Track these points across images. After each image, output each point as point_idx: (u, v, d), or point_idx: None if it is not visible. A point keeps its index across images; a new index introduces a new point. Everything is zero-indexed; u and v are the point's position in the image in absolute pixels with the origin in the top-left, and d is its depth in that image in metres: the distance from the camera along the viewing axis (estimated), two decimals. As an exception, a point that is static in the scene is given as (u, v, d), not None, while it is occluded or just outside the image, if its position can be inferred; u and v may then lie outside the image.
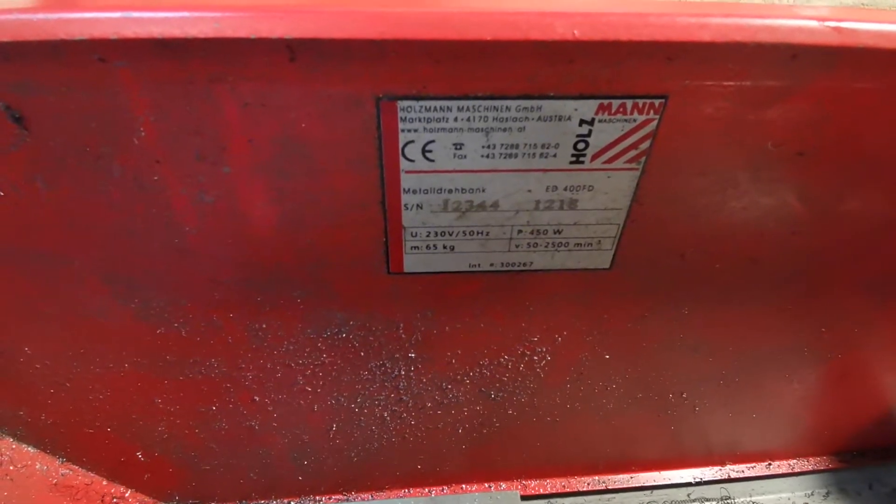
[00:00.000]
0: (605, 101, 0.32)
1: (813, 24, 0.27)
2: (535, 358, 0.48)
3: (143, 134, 0.32)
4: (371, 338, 0.45)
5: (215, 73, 0.30)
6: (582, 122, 0.33)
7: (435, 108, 0.32)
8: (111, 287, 0.41)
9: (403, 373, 0.48)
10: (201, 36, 0.26)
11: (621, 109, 0.32)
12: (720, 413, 0.56)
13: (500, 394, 0.51)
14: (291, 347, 0.45)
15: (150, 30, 0.26)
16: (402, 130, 0.33)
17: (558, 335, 0.46)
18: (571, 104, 0.32)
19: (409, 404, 0.51)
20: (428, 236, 0.38)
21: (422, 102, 0.31)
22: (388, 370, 0.47)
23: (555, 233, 0.39)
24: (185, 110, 0.31)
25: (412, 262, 0.40)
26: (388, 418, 0.52)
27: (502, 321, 0.45)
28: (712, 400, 0.54)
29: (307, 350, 0.45)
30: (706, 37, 0.26)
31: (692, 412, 0.55)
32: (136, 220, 0.37)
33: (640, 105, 0.32)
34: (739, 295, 0.45)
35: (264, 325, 0.43)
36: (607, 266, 0.41)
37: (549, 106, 0.32)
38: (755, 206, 0.38)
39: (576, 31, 0.25)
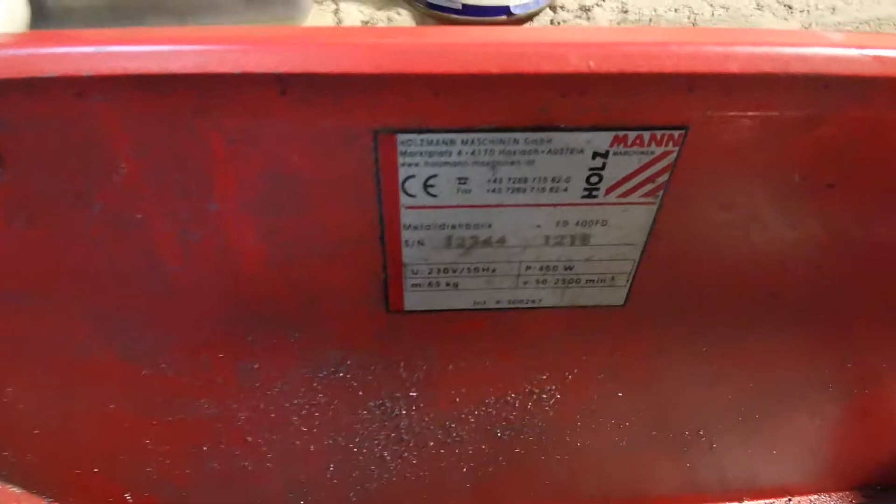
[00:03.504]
0: (621, 133, 0.30)
1: (851, 52, 0.24)
2: (544, 396, 0.45)
3: (124, 170, 0.30)
4: (370, 377, 0.42)
5: (199, 108, 0.28)
6: (595, 154, 0.30)
7: (437, 142, 0.30)
8: (93, 326, 0.39)
9: (404, 412, 0.45)
10: (182, 72, 0.23)
11: (638, 141, 0.30)
12: (738, 450, 0.53)
13: (507, 432, 0.48)
14: (285, 387, 0.42)
15: (125, 65, 0.24)
16: (402, 164, 0.30)
17: (568, 373, 0.43)
18: (584, 136, 0.30)
19: (411, 443, 0.48)
20: (430, 273, 0.36)
21: (423, 136, 0.29)
22: (388, 409, 0.45)
23: (565, 269, 0.36)
24: (168, 146, 0.29)
25: (413, 300, 0.37)
26: (389, 457, 0.49)
27: (509, 359, 0.42)
28: (730, 437, 0.52)
29: (302, 390, 0.43)
30: (733, 68, 0.24)
31: (709, 449, 0.53)
32: (117, 258, 0.34)
33: (659, 137, 0.30)
34: (760, 330, 0.42)
35: (256, 365, 0.41)
36: (621, 303, 0.38)
37: (560, 138, 0.30)
38: (779, 240, 0.36)
39: (591, 63, 0.23)
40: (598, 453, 0.51)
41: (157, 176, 0.31)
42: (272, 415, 0.44)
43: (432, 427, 0.47)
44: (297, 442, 0.47)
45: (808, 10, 0.63)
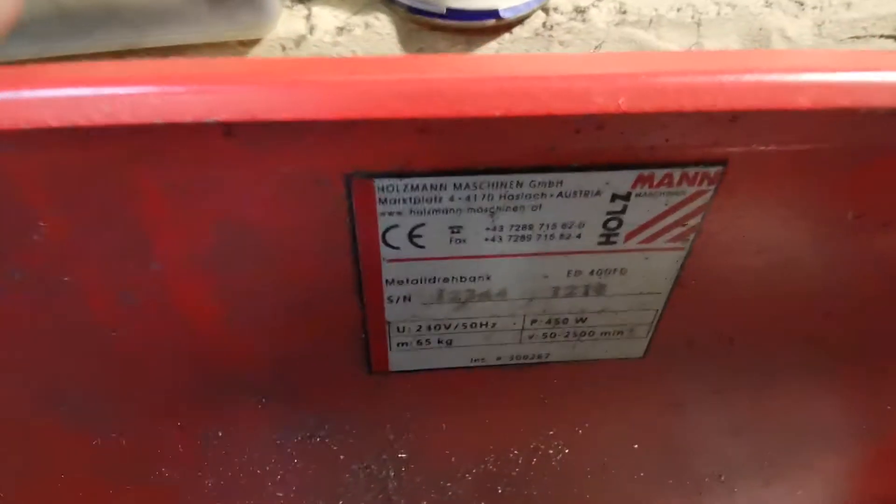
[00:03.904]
0: (646, 172, 0.25)
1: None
2: (551, 452, 0.40)
3: (43, 228, 0.25)
4: (352, 440, 0.37)
5: (128, 156, 0.22)
6: (615, 196, 0.25)
7: (424, 187, 0.24)
8: (31, 394, 0.33)
9: (393, 474, 0.40)
10: (87, 125, 0.18)
11: (666, 181, 0.25)
12: (761, 492, 0.49)
13: (509, 488, 0.43)
14: (255, 454, 0.37)
15: (22, 117, 0.18)
16: (382, 214, 0.25)
17: (579, 428, 0.39)
18: (602, 177, 0.24)
19: (402, 504, 0.43)
20: (419, 330, 0.31)
21: (406, 180, 0.24)
22: (374, 472, 0.40)
23: (577, 321, 0.31)
24: (95, 198, 0.24)
25: (399, 360, 0.32)
26: (378, 518, 0.44)
27: (511, 416, 0.37)
28: (753, 481, 0.47)
29: (275, 456, 0.37)
30: (804, 102, 0.19)
31: (729, 493, 0.48)
32: (48, 325, 0.29)
33: (691, 175, 0.25)
34: (793, 376, 0.37)
35: (220, 433, 0.35)
36: (640, 355, 0.33)
37: (573, 180, 0.24)
38: (822, 284, 0.31)
39: (621, 102, 0.18)
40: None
41: (85, 234, 0.25)
42: (242, 481, 0.39)
43: (425, 487, 0.42)
44: (273, 507, 0.42)
45: (820, 7, 0.58)
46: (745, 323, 0.33)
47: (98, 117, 0.18)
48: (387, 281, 0.28)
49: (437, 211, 0.25)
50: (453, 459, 0.40)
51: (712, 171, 0.25)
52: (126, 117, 0.18)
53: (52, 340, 0.30)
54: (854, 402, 0.41)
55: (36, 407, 0.34)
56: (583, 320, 0.31)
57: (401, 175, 0.24)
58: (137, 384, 0.32)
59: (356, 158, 0.23)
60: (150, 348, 0.30)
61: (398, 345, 0.31)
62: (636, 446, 0.41)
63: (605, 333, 0.32)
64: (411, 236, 0.26)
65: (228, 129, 0.21)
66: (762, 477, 0.47)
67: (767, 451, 0.44)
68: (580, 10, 0.55)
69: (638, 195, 0.25)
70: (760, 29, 0.55)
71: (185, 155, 0.22)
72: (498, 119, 0.18)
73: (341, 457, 0.38)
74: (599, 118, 0.21)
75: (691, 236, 0.27)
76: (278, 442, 0.36)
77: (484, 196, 0.25)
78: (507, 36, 0.46)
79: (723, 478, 0.46)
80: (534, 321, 0.31)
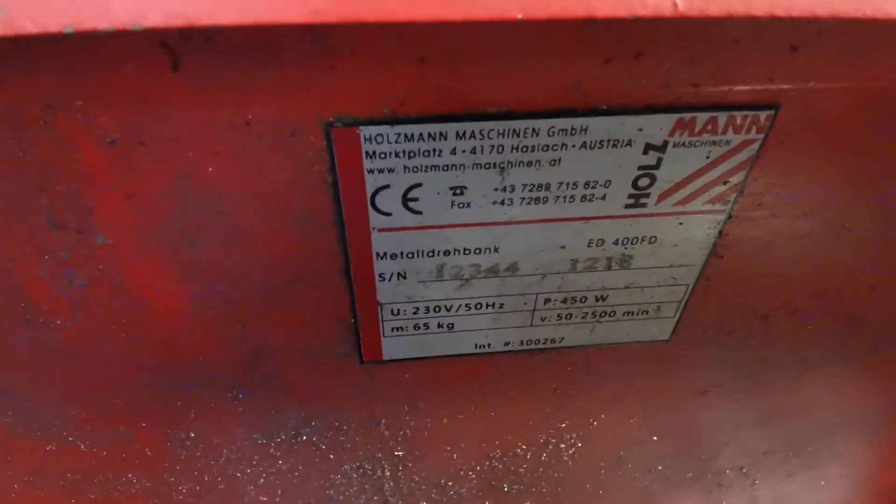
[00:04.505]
0: (687, 117, 0.21)
1: None
2: (563, 446, 0.36)
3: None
4: (342, 438, 0.33)
5: (54, 96, 0.18)
6: (649, 147, 0.21)
7: (420, 137, 0.20)
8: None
9: (389, 473, 0.36)
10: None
11: (709, 127, 0.21)
12: (783, 484, 0.45)
13: (516, 486, 0.39)
14: (234, 456, 0.33)
15: None
16: (370, 171, 0.21)
17: (594, 419, 0.35)
18: (635, 122, 0.20)
19: (399, 506, 0.39)
20: (416, 313, 0.27)
21: (399, 128, 0.20)
22: (369, 472, 0.36)
23: (597, 300, 0.27)
24: (18, 156, 0.19)
25: (394, 348, 0.28)
26: (372, 521, 0.40)
27: (519, 408, 0.33)
28: (776, 473, 0.44)
29: (256, 458, 0.33)
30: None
31: (750, 486, 0.45)
32: (-20, 312, 0.25)
33: (738, 121, 0.21)
34: (829, 359, 0.34)
35: (192, 434, 0.31)
36: (666, 337, 0.30)
37: (600, 126, 0.20)
38: (875, 253, 0.27)
39: (679, 1, 0.14)
40: (623, 499, 0.43)
41: (11, 201, 0.21)
42: (221, 486, 0.35)
43: (424, 487, 0.38)
44: (256, 513, 0.38)
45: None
46: (784, 298, 0.29)
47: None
48: (377, 255, 0.24)
49: (435, 167, 0.21)
50: (455, 457, 0.36)
51: (762, 115, 0.21)
52: (27, 26, 0.13)
53: (-12, 332, 0.26)
54: (892, 389, 0.38)
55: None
56: (603, 298, 0.27)
57: (392, 122, 0.20)
58: (92, 382, 0.28)
59: (337, 100, 0.19)
60: (104, 340, 0.26)
61: (392, 330, 0.27)
62: (655, 438, 0.37)
63: (629, 314, 0.28)
64: (405, 199, 0.22)
65: (175, 59, 0.17)
66: (786, 469, 0.44)
67: (795, 441, 0.41)
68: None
69: (676, 145, 0.21)
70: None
71: (124, 97, 0.18)
72: (519, 24, 0.14)
73: (331, 456, 0.34)
74: (639, 41, 0.16)
75: (733, 196, 0.23)
76: (260, 442, 0.32)
77: (493, 148, 0.21)
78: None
79: (745, 470, 0.43)
80: (547, 300, 0.27)
